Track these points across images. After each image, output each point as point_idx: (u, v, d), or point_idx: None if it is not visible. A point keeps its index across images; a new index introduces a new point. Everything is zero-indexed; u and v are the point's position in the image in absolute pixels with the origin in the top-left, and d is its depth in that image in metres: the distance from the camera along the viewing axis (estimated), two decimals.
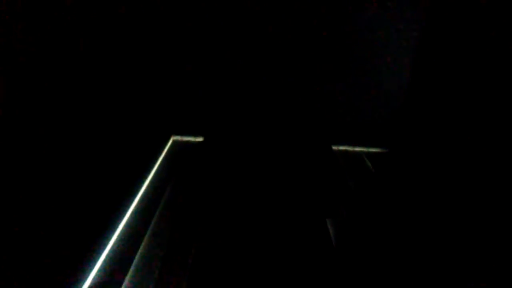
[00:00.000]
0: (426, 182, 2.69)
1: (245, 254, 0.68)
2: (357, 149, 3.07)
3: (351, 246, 2.04)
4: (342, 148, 3.02)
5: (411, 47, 2.58)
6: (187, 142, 2.52)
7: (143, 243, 2.09)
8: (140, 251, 2.06)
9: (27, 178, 1.35)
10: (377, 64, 2.71)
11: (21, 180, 1.31)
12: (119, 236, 2.14)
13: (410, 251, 1.97)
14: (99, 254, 2.00)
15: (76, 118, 1.75)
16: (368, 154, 3.10)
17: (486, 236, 1.41)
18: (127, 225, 2.19)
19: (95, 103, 1.94)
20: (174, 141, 2.61)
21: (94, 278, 1.92)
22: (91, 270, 1.94)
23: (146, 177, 2.37)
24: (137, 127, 2.36)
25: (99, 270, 1.95)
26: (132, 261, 2.00)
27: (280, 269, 0.69)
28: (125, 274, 1.95)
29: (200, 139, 2.43)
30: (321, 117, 2.67)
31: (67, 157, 1.69)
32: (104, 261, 2.00)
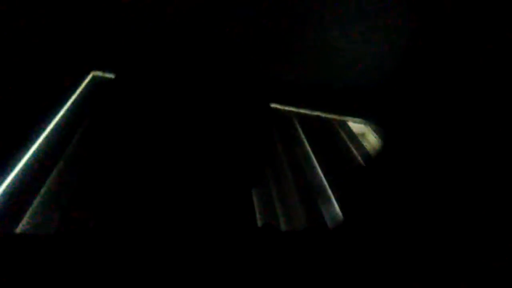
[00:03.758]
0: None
1: (156, 206, 0.63)
2: (287, 108, 3.12)
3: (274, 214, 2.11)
4: (273, 105, 3.04)
5: None
6: (109, 78, 2.34)
7: (51, 176, 1.96)
8: (47, 185, 1.93)
9: None
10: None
11: None
12: (22, 170, 1.97)
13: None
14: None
15: None
16: (298, 114, 3.17)
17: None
18: (32, 159, 2.02)
19: None
20: (94, 77, 2.41)
21: None
22: None
23: (57, 112, 2.18)
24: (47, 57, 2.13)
25: None
26: (34, 197, 1.87)
27: (195, 232, 0.65)
28: (25, 211, 1.83)
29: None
30: (258, 71, 2.63)
31: None
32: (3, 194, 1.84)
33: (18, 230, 1.74)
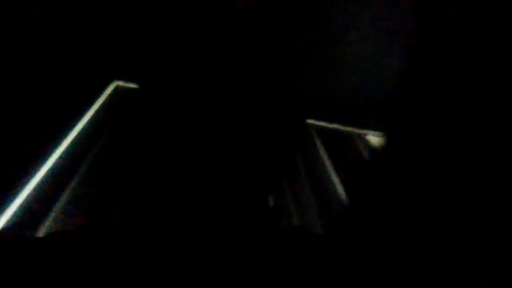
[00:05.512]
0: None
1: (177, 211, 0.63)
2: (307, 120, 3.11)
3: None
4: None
5: None
6: (131, 88, 2.40)
7: (70, 186, 2.01)
8: (66, 193, 1.99)
9: None
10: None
11: None
12: (44, 176, 2.03)
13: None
14: (20, 192, 1.90)
15: None
16: (317, 127, 3.16)
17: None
18: (54, 167, 2.08)
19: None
20: (117, 87, 2.48)
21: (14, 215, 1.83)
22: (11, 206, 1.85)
23: (78, 122, 2.23)
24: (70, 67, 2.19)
25: (18, 209, 1.85)
26: (58, 199, 1.93)
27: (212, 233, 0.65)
28: (49, 212, 1.88)
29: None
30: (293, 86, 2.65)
31: None
32: (26, 199, 1.90)
33: (44, 229, 1.79)
